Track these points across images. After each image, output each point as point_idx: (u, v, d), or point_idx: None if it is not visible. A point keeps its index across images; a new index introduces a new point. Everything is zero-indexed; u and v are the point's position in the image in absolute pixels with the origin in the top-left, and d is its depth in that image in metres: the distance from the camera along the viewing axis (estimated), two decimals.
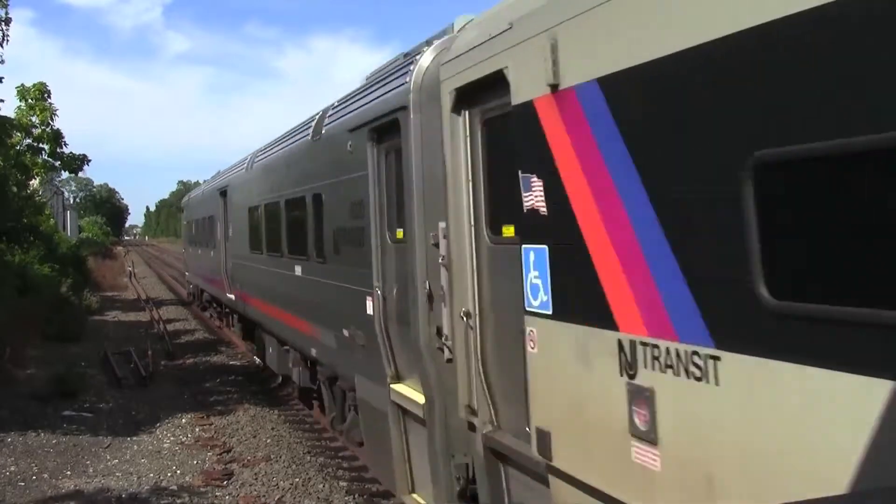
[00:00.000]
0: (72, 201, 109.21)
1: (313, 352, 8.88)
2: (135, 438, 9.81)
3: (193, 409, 11.35)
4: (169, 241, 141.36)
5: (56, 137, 23.06)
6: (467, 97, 4.78)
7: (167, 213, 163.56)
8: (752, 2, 2.70)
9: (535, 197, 4.02)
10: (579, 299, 3.74)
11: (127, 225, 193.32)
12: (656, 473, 3.23)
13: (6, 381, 12.33)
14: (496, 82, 4.27)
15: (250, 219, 12.57)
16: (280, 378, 13.31)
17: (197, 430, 10.25)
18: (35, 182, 25.52)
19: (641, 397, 3.29)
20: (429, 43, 5.79)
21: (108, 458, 9.00)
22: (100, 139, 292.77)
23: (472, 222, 4.81)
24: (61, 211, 58.42)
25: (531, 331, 4.12)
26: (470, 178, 4.81)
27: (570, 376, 3.82)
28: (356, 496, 7.63)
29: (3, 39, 15.13)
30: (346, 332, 7.24)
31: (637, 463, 3.33)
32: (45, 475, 8.27)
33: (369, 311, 6.52)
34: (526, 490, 4.62)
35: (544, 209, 3.94)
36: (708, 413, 2.95)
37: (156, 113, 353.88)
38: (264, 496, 7.65)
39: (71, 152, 23.85)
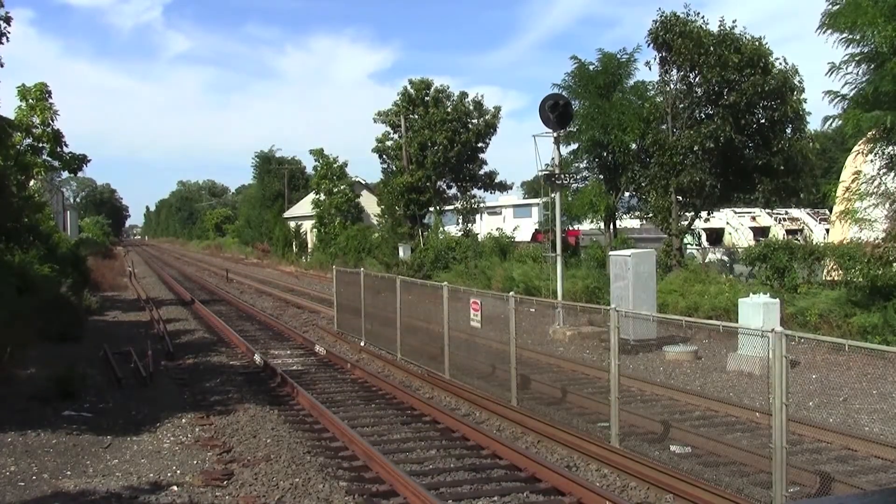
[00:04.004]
0: (72, 201, 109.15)
1: None
2: (135, 438, 9.81)
3: (193, 409, 11.35)
4: (168, 241, 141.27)
5: (56, 138, 23.06)
6: None
7: (167, 213, 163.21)
8: None
9: None
10: None
11: (127, 225, 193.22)
12: None
13: (6, 381, 12.32)
14: None
15: None
16: (280, 378, 13.34)
17: (197, 430, 10.25)
18: (34, 183, 25.49)
19: None
20: None
21: (108, 458, 9.00)
22: (100, 139, 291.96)
23: None
24: (61, 211, 58.34)
25: None
26: None
27: None
28: (356, 496, 7.63)
29: (2, 37, 15.07)
30: None
31: None
32: (45, 475, 8.26)
33: None
34: None
35: None
36: None
37: (156, 113, 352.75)
38: (264, 496, 7.65)
39: (71, 152, 23.87)
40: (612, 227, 28.30)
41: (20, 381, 12.63)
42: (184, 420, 10.69)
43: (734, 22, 22.62)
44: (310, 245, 57.17)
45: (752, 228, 33.88)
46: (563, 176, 19.19)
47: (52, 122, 22.95)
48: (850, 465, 8.50)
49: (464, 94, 40.79)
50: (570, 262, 24.56)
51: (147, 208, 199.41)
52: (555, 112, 18.30)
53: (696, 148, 21.81)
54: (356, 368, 14.66)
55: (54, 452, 9.08)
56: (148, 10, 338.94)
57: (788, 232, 31.61)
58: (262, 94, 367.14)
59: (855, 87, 13.97)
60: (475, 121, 40.16)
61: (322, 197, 52.30)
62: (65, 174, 31.43)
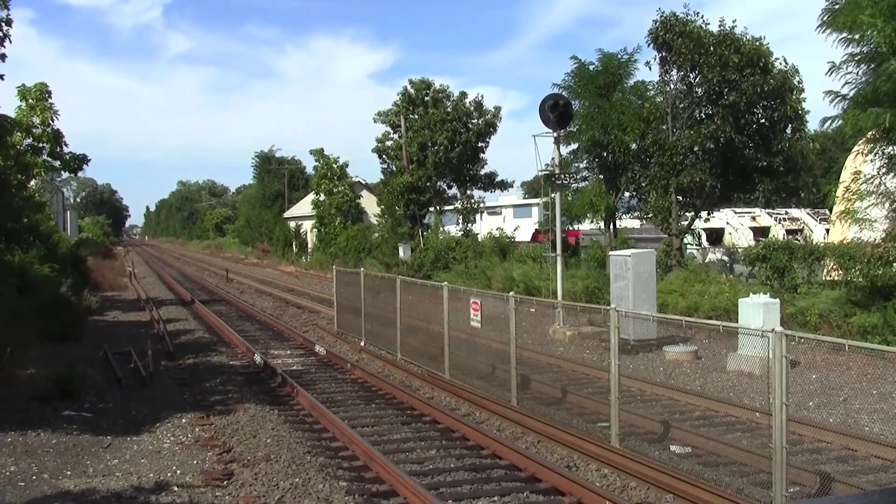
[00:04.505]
0: (72, 201, 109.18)
1: None
2: (135, 438, 9.81)
3: (193, 409, 11.35)
4: (168, 241, 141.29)
5: (56, 137, 23.05)
6: None
7: (167, 213, 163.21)
8: None
9: None
10: None
11: (127, 225, 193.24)
12: None
13: (6, 381, 12.32)
14: None
15: None
16: (280, 378, 13.35)
17: (197, 430, 10.25)
18: (34, 183, 25.50)
19: None
20: None
21: (108, 458, 9.00)
22: (100, 139, 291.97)
23: None
24: (61, 211, 58.37)
25: None
26: None
27: None
28: (356, 496, 7.63)
29: (5, 38, 15.06)
30: None
31: None
32: (45, 475, 8.26)
33: None
34: None
35: None
36: None
37: (156, 113, 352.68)
38: (264, 496, 7.65)
39: (71, 152, 23.86)
40: (612, 227, 28.30)
41: (20, 381, 12.63)
42: (184, 420, 10.69)
43: (734, 22, 22.66)
44: (310, 245, 57.18)
45: (752, 228, 33.87)
46: (563, 176, 19.19)
47: (53, 122, 22.95)
48: (850, 465, 8.50)
49: (464, 94, 40.83)
50: (570, 262, 24.56)
51: (147, 208, 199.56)
52: (555, 112, 18.30)
53: (696, 148, 21.81)
54: (356, 368, 14.66)
55: (54, 452, 9.08)
56: (148, 10, 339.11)
57: (788, 232, 31.60)
58: (262, 94, 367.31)
59: (855, 86, 13.96)
60: (475, 121, 40.17)
61: (322, 197, 52.31)
62: (65, 174, 31.41)
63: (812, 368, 13.37)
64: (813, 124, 24.51)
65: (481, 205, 40.94)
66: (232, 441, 9.66)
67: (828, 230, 28.71)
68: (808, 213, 35.77)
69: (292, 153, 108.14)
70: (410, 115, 40.82)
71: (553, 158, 19.02)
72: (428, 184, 39.57)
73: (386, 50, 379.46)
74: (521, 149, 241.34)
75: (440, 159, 38.70)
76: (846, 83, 14.00)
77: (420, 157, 39.66)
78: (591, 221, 28.99)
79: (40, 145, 22.95)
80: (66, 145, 23.45)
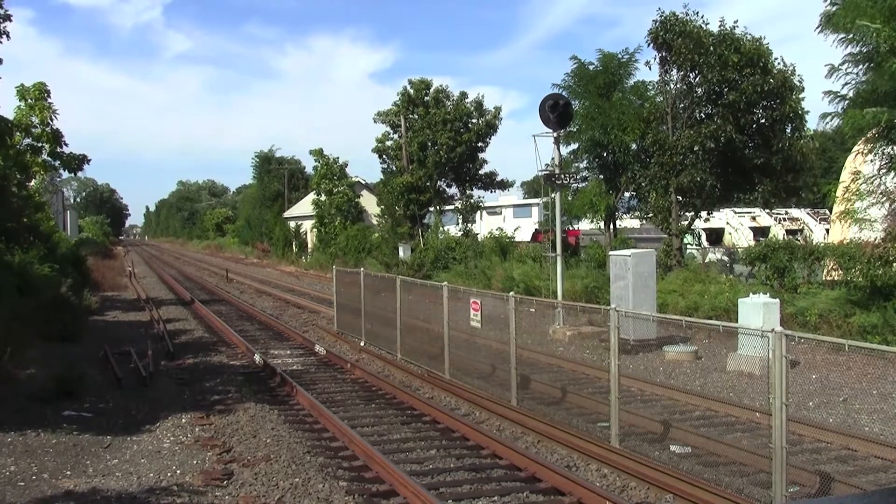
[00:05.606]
0: (72, 201, 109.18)
1: None
2: (135, 438, 9.82)
3: (193, 409, 11.36)
4: (168, 241, 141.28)
5: (56, 137, 23.04)
6: None
7: (167, 213, 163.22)
8: None
9: None
10: None
11: (127, 225, 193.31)
12: None
13: (6, 381, 12.32)
14: None
15: None
16: (279, 377, 13.34)
17: (197, 430, 10.25)
18: (34, 183, 25.49)
19: None
20: None
21: (108, 458, 9.00)
22: (100, 139, 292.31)
23: None
24: (61, 211, 58.38)
25: None
26: None
27: None
28: (356, 496, 7.63)
29: (2, 35, 15.03)
30: None
31: None
32: (45, 475, 8.26)
33: None
34: None
35: None
36: None
37: (156, 113, 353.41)
38: (264, 496, 7.65)
39: (70, 152, 23.84)
40: (612, 227, 28.30)
41: (20, 381, 12.63)
42: (184, 420, 10.69)
43: (734, 22, 22.64)
44: (310, 245, 57.19)
45: (752, 228, 33.86)
46: (563, 176, 19.19)
47: (52, 121, 22.92)
48: (850, 465, 8.50)
49: (464, 95, 40.84)
50: (570, 262, 24.56)
51: (147, 208, 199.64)
52: (555, 112, 18.30)
53: (696, 148, 21.79)
54: (356, 368, 14.66)
55: (54, 452, 9.08)
56: (148, 10, 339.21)
57: (788, 232, 31.58)
58: (262, 94, 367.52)
59: (854, 87, 13.96)
60: (475, 121, 40.18)
61: (322, 197, 52.32)
62: (65, 174, 31.44)
63: (812, 368, 13.37)
64: (812, 124, 24.56)
65: (481, 205, 40.93)
66: (232, 441, 9.67)
67: (828, 230, 28.71)
68: (808, 213, 35.76)
69: (292, 153, 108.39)
70: (410, 116, 40.82)
71: (553, 158, 19.02)
72: (428, 184, 39.58)
73: (386, 50, 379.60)
74: (521, 149, 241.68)
75: (441, 159, 38.71)
76: (846, 84, 14.01)
77: (421, 157, 39.66)
78: (591, 221, 28.99)
79: (39, 145, 22.93)
80: (65, 145, 23.41)
